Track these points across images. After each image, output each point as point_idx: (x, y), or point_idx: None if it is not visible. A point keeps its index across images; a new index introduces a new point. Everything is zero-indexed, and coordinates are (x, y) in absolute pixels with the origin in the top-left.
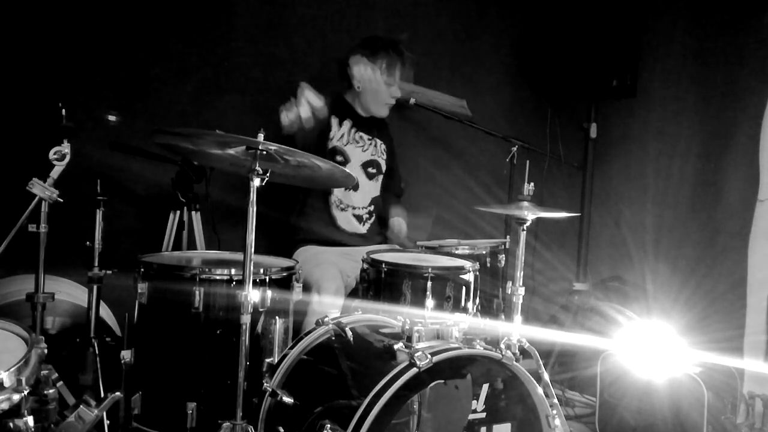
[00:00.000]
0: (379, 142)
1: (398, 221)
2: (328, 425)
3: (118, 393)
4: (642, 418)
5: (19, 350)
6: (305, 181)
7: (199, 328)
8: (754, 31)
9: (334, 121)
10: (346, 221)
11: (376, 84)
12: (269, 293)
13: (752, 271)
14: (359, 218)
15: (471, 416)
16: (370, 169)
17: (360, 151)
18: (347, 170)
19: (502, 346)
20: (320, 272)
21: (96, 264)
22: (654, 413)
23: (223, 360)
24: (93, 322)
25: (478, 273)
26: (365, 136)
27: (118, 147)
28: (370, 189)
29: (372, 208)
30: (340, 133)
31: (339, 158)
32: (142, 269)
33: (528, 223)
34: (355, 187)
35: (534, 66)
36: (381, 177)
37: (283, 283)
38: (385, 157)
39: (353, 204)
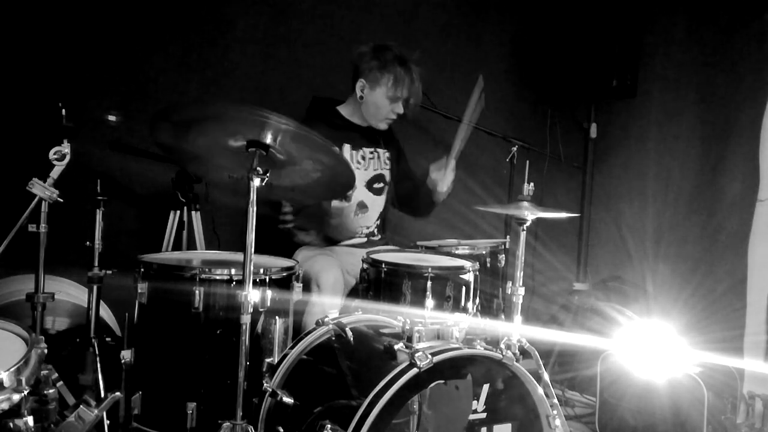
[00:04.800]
0: (381, 151)
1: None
2: (328, 425)
3: (118, 393)
4: (642, 418)
5: (19, 350)
6: (304, 192)
7: (199, 328)
8: (754, 31)
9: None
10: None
11: (378, 107)
12: (269, 293)
13: (752, 271)
14: (368, 235)
15: (471, 416)
16: (375, 185)
17: (362, 171)
18: (352, 168)
19: (502, 346)
20: (319, 265)
21: (96, 264)
22: (654, 413)
23: (223, 360)
24: (93, 322)
25: (478, 273)
26: (367, 152)
27: (118, 147)
28: (378, 204)
29: (379, 222)
30: None
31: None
32: (142, 269)
33: (528, 223)
34: (363, 210)
35: (534, 66)
36: (387, 187)
37: (283, 283)
38: (389, 165)
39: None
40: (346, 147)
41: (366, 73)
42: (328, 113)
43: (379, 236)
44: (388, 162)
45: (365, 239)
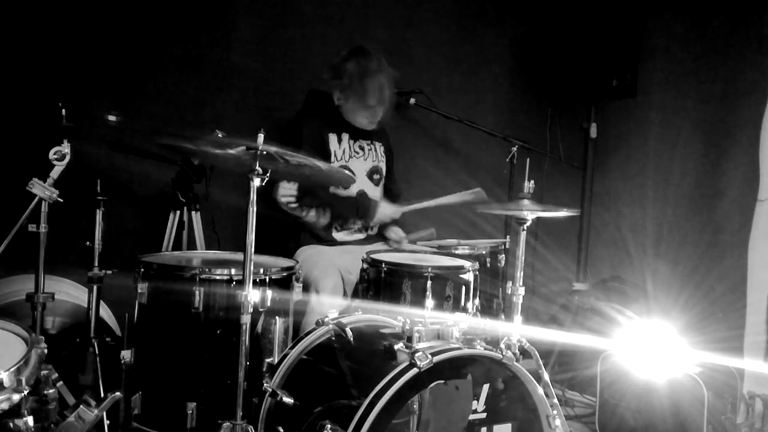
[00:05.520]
0: (377, 144)
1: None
2: (328, 425)
3: (118, 393)
4: (642, 418)
5: (19, 350)
6: (306, 180)
7: (199, 328)
8: (754, 31)
9: (332, 137)
10: (344, 235)
11: (356, 114)
12: (269, 293)
13: (752, 271)
14: (364, 227)
15: (471, 416)
16: (374, 176)
17: (362, 161)
18: (347, 172)
19: (502, 346)
20: (318, 271)
21: (96, 264)
22: (654, 413)
23: (223, 360)
24: (93, 322)
25: (478, 273)
26: (364, 143)
27: (118, 147)
28: (375, 196)
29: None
30: (341, 150)
31: None
32: (142, 269)
33: (528, 223)
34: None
35: (534, 66)
36: (383, 180)
37: (283, 283)
38: (384, 159)
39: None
40: (345, 136)
41: (336, 87)
42: (326, 105)
43: (375, 228)
44: (383, 155)
45: (364, 235)
